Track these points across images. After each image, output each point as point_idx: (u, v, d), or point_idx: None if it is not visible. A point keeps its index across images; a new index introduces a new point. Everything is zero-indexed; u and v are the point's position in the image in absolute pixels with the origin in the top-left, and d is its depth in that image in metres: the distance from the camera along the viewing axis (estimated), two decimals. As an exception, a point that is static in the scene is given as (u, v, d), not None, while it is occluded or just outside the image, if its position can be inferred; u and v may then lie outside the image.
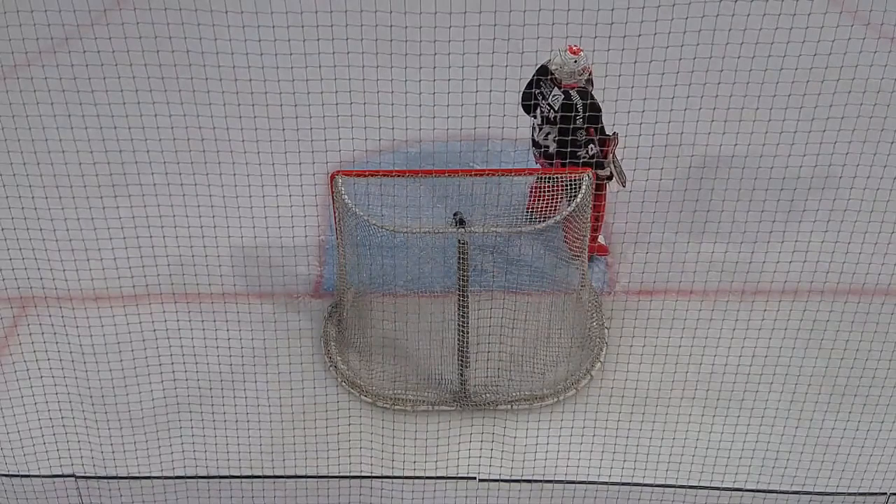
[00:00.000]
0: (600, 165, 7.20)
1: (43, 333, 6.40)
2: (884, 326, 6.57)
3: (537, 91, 7.15)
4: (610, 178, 7.26)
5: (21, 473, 6.07)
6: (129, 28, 6.18)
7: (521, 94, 7.21)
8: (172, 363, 6.33)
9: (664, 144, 5.89)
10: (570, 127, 6.90)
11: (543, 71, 7.07)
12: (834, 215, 6.54)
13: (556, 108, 7.02)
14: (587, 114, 6.99)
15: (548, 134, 7.17)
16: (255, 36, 5.41)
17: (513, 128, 6.85)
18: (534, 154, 7.47)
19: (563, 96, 7.03)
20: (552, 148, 7.20)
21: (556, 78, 7.07)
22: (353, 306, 6.94)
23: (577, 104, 6.98)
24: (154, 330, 6.31)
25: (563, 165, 7.06)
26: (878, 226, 6.35)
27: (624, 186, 7.38)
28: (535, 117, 7.25)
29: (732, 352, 6.34)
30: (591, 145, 7.11)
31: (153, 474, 6.18)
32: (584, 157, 7.15)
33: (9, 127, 6.26)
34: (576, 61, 6.98)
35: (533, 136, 7.35)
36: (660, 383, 6.53)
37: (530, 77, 7.11)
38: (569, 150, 6.94)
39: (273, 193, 6.18)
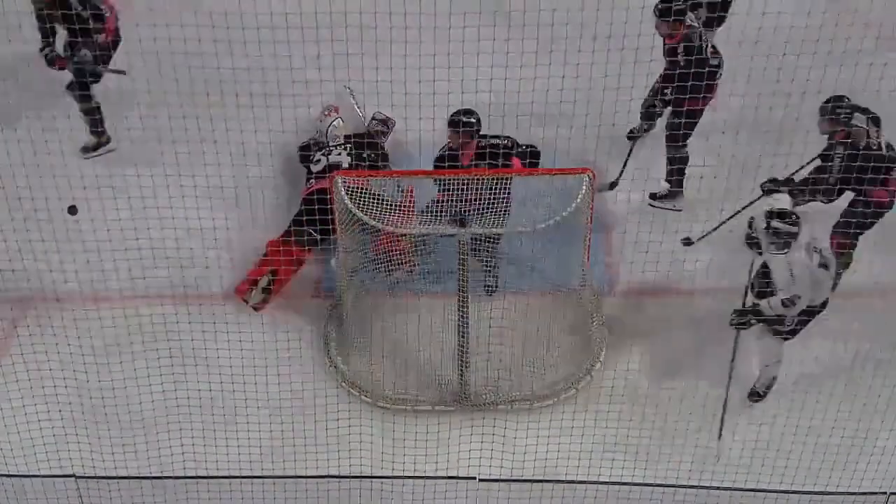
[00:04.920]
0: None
1: (43, 334, 6.40)
2: (884, 327, 6.57)
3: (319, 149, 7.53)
4: None
5: (21, 473, 6.06)
6: (127, 29, 6.19)
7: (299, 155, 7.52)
8: (172, 364, 6.32)
9: (664, 145, 5.90)
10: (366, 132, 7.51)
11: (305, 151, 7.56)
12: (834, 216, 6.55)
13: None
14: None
15: (341, 151, 7.47)
16: (254, 37, 5.41)
17: (513, 127, 6.85)
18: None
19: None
20: (345, 162, 7.39)
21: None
22: (353, 307, 6.94)
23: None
24: (154, 332, 6.31)
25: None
26: (878, 226, 6.35)
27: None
28: (325, 155, 7.46)
29: (732, 352, 6.34)
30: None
31: (153, 474, 6.17)
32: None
33: (8, 127, 6.26)
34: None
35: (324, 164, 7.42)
36: (660, 383, 6.52)
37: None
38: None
39: (273, 195, 6.17)
